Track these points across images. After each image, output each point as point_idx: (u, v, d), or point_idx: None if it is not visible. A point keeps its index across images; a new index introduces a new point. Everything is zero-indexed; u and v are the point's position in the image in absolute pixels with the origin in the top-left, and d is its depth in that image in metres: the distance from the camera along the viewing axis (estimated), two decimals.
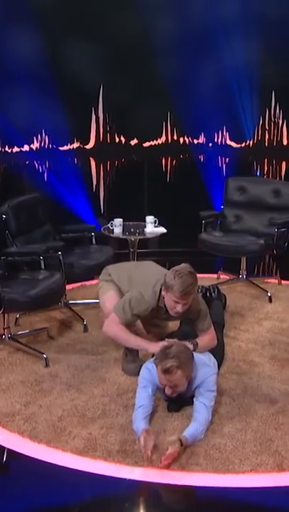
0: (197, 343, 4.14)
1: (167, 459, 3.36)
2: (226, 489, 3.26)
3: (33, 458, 3.50)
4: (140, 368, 4.04)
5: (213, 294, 5.22)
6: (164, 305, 4.21)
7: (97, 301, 5.35)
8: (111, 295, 4.53)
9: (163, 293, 4.15)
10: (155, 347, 4.06)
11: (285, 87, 8.04)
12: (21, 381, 4.31)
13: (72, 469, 3.40)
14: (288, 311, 5.56)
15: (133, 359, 4.46)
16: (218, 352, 4.44)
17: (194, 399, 3.81)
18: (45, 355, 4.55)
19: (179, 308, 4.07)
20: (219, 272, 6.44)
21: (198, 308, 4.28)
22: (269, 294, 5.79)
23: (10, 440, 3.66)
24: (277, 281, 6.27)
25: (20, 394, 4.14)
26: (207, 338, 4.27)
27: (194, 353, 3.90)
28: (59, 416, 3.88)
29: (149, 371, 3.87)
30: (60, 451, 3.54)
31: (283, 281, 6.27)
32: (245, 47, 7.84)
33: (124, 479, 3.31)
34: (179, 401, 3.92)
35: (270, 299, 5.77)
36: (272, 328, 5.21)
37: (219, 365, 4.29)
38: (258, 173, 8.33)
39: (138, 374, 4.03)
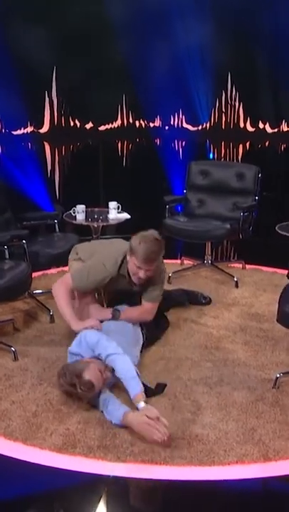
0: (119, 313, 4.26)
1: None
2: (213, 482, 3.19)
3: (10, 457, 3.36)
4: None
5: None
6: (127, 273, 4.23)
7: None
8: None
9: (128, 257, 4.17)
10: (78, 326, 4.14)
11: (240, 69, 8.00)
12: None
13: (52, 467, 3.27)
14: (255, 296, 5.51)
15: None
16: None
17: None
18: (13, 349, 4.40)
19: (141, 274, 4.12)
20: (183, 258, 6.35)
21: (159, 278, 4.38)
22: (235, 279, 5.73)
23: None
24: (241, 265, 6.22)
25: None
26: (144, 309, 4.36)
27: None
28: (33, 412, 3.74)
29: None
30: (38, 448, 3.41)
31: (247, 266, 6.22)
32: (200, 29, 7.75)
33: (108, 476, 3.21)
34: None
35: (236, 284, 5.71)
36: (242, 313, 5.15)
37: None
38: (215, 157, 8.29)
39: None
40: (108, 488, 3.17)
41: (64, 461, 3.31)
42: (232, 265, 6.24)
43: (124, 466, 3.26)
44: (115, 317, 4.22)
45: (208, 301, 5.33)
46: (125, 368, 3.66)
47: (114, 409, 3.59)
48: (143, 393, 3.57)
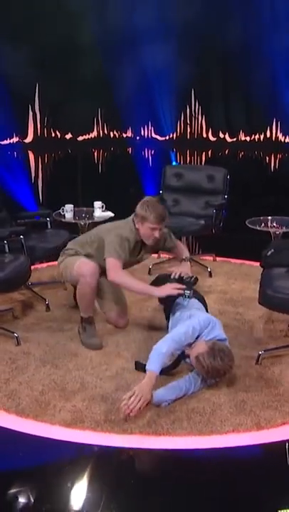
0: (187, 257, 4.35)
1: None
2: (213, 450, 3.05)
3: (23, 433, 3.17)
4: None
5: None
6: (139, 240, 4.12)
7: (53, 281, 5.26)
8: (83, 260, 4.12)
9: (138, 226, 4.06)
10: (161, 292, 4.01)
11: (202, 86, 7.97)
12: None
13: (64, 441, 3.09)
14: (228, 284, 5.39)
15: (93, 333, 4.17)
16: None
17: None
18: (16, 334, 4.18)
19: (157, 234, 4.04)
20: (159, 251, 6.17)
21: (164, 233, 4.29)
22: (209, 270, 5.60)
23: None
24: (212, 258, 6.09)
25: None
26: (181, 247, 4.47)
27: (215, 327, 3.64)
28: (40, 391, 3.54)
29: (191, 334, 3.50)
30: (48, 424, 3.22)
31: (218, 258, 6.10)
32: (167, 50, 7.70)
33: (117, 447, 3.04)
34: None
35: (210, 274, 5.58)
36: (218, 299, 5.02)
37: None
38: (181, 163, 8.20)
39: (102, 347, 4.04)
40: (117, 459, 3.00)
41: (74, 435, 3.13)
42: (204, 258, 6.10)
43: (130, 437, 3.10)
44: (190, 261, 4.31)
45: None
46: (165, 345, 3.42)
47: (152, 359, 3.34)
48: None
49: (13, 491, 2.71)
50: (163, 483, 2.84)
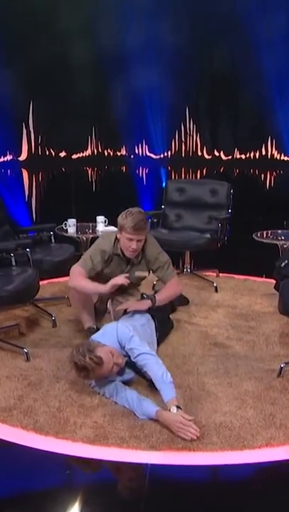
0: (155, 298, 3.96)
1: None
2: (248, 465, 2.86)
3: (44, 450, 2.95)
4: None
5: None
6: (121, 252, 4.01)
7: (56, 297, 5.21)
8: (75, 265, 4.16)
9: (118, 236, 3.97)
10: (105, 288, 3.85)
11: (197, 105, 7.92)
12: (7, 376, 3.71)
13: (88, 459, 2.89)
14: (235, 299, 5.24)
15: None
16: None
17: (134, 361, 3.36)
18: (25, 350, 3.96)
19: (134, 245, 3.89)
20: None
21: (156, 254, 4.10)
22: (215, 285, 5.45)
23: (15, 435, 3.08)
24: (215, 274, 5.94)
25: (10, 389, 3.55)
26: (170, 287, 4.13)
27: None
28: (57, 407, 3.33)
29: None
30: (70, 441, 3.00)
31: (221, 274, 5.95)
32: (162, 69, 7.66)
33: (146, 464, 2.83)
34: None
35: (216, 289, 5.43)
36: (228, 314, 4.87)
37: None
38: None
39: None
40: (148, 476, 2.80)
41: (99, 452, 2.92)
42: (207, 273, 5.94)
43: (160, 454, 2.91)
44: (153, 302, 3.94)
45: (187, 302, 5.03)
46: (161, 370, 3.21)
47: (145, 404, 3.20)
48: (177, 398, 3.17)
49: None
50: (198, 499, 2.65)
